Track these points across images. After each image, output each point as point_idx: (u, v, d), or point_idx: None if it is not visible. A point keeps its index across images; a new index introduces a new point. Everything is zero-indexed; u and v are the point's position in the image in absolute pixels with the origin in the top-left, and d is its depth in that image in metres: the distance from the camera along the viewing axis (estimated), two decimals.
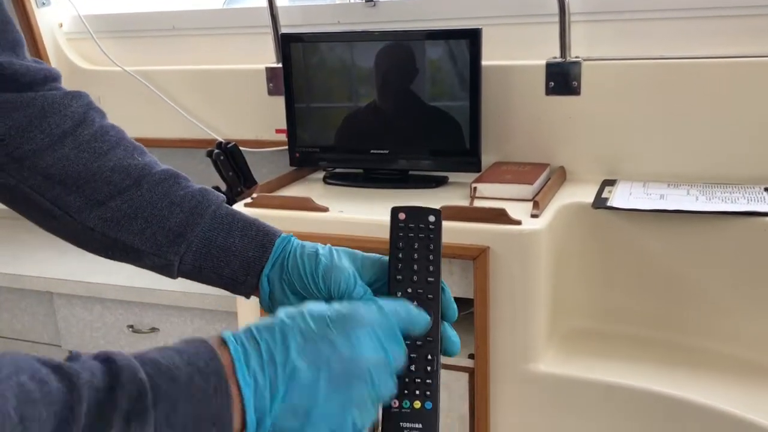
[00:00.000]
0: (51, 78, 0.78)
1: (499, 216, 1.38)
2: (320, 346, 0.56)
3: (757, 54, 1.54)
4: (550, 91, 1.68)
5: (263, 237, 0.74)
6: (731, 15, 1.61)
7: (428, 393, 0.63)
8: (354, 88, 1.77)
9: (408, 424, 0.62)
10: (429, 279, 0.66)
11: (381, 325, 0.59)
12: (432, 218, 0.67)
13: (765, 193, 1.49)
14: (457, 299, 0.69)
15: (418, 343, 0.64)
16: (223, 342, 0.55)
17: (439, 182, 1.73)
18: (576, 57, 1.66)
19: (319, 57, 1.75)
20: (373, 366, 0.57)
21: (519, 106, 1.71)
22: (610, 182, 1.63)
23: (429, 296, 0.65)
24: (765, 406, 1.27)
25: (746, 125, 1.56)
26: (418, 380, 0.63)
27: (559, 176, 1.66)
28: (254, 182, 1.82)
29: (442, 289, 0.66)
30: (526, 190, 1.54)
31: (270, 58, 1.95)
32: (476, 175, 1.65)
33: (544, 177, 1.63)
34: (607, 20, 1.70)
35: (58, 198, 0.75)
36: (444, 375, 1.52)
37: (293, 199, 1.57)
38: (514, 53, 1.75)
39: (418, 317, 0.62)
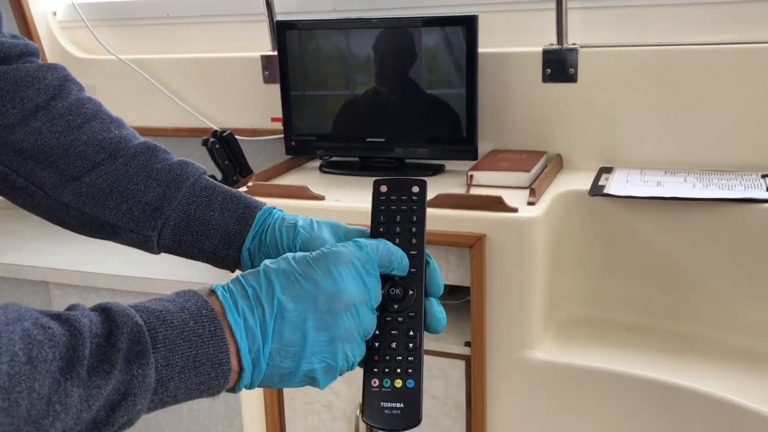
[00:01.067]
0: (27, 53, 0.76)
1: (496, 204, 1.38)
2: (304, 284, 0.57)
3: (755, 40, 1.54)
4: (546, 79, 1.67)
5: (244, 210, 0.73)
6: (728, 1, 1.60)
7: (410, 371, 0.60)
8: (350, 76, 1.76)
9: (389, 404, 0.59)
10: (412, 252, 0.63)
11: (361, 260, 0.59)
12: (416, 189, 0.65)
13: (762, 180, 1.49)
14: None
15: (399, 319, 0.61)
16: (212, 292, 0.57)
17: (436, 170, 1.73)
18: (573, 44, 1.65)
19: (315, 45, 1.74)
20: (357, 300, 0.58)
21: (516, 94, 1.70)
22: (607, 169, 1.63)
23: (412, 270, 0.63)
24: (762, 393, 1.27)
25: (744, 112, 1.55)
26: (399, 358, 0.60)
27: (556, 164, 1.65)
28: (250, 171, 1.81)
29: (427, 262, 0.64)
30: (523, 177, 1.54)
31: (265, 46, 1.94)
32: (473, 163, 1.64)
33: (540, 164, 1.62)
34: (604, 7, 1.70)
35: (31, 174, 0.73)
36: (440, 362, 1.53)
37: (289, 187, 1.57)
38: (510, 40, 1.74)
39: (397, 254, 0.62)
